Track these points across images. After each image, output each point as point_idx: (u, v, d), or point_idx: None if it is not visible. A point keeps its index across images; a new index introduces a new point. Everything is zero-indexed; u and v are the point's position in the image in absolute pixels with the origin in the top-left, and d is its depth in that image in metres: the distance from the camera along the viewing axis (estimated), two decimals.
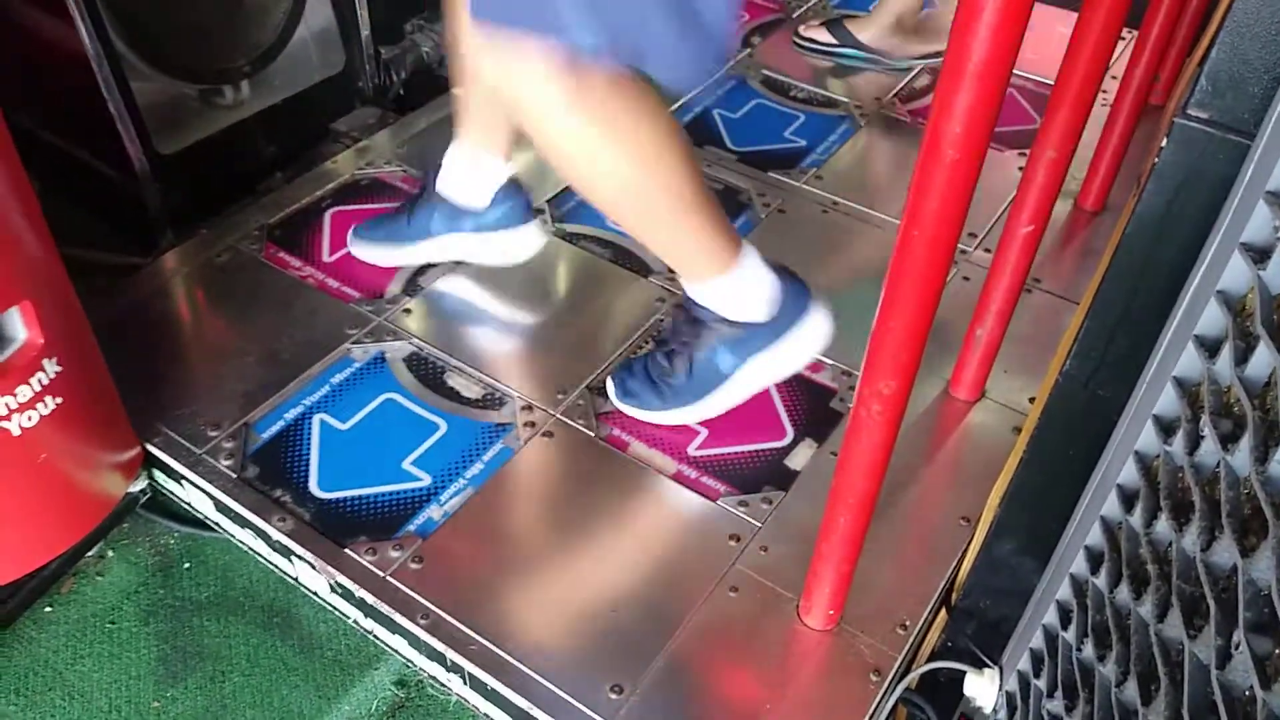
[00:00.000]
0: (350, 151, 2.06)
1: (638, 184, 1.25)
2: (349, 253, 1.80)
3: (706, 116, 2.20)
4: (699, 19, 1.08)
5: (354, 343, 1.65)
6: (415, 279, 1.77)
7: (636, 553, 1.39)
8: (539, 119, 1.20)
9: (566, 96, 1.15)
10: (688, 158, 1.26)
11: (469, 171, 1.66)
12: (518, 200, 1.68)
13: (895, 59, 2.39)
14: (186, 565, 1.54)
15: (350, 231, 1.81)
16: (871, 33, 2.39)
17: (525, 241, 1.72)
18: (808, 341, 1.47)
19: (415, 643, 1.32)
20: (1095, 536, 0.91)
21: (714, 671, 1.26)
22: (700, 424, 1.54)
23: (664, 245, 1.39)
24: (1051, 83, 1.32)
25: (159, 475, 1.55)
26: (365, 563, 1.36)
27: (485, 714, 1.32)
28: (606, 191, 1.29)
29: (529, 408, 1.56)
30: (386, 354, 1.64)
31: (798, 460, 1.50)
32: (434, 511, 1.42)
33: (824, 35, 2.41)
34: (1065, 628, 0.96)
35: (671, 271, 1.79)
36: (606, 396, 1.57)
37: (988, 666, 1.18)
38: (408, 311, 1.71)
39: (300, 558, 1.40)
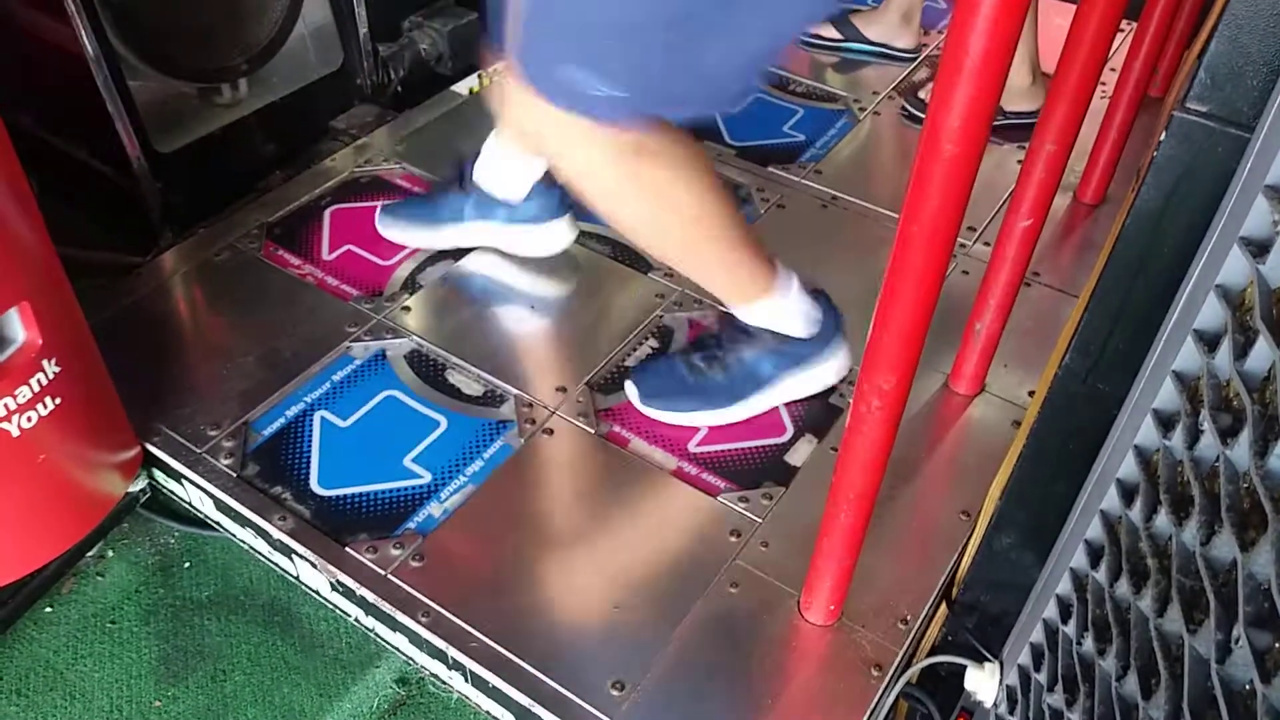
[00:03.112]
0: (349, 149, 2.05)
1: (678, 231, 1.31)
2: (378, 230, 1.82)
3: None
4: (710, 67, 1.10)
5: (354, 340, 1.65)
6: (415, 276, 1.77)
7: (637, 549, 1.39)
8: (580, 176, 1.24)
9: (605, 156, 1.19)
10: (721, 198, 1.31)
11: (506, 164, 1.67)
12: (552, 194, 1.70)
13: (901, 53, 2.39)
14: (187, 564, 1.54)
15: (379, 208, 1.83)
16: (878, 28, 2.39)
17: (557, 236, 1.75)
18: (841, 361, 1.53)
19: (416, 640, 1.32)
20: (1095, 531, 0.91)
21: (715, 667, 1.26)
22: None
23: (707, 279, 1.44)
24: (1050, 75, 1.32)
25: (159, 474, 1.55)
26: (366, 560, 1.36)
27: (487, 711, 1.32)
28: (649, 237, 1.35)
29: (529, 405, 1.56)
30: (387, 351, 1.64)
31: (798, 456, 1.50)
32: (434, 509, 1.42)
33: (830, 31, 2.41)
34: (1065, 622, 0.96)
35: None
36: (606, 393, 1.57)
37: (988, 661, 1.18)
38: (407, 309, 1.71)
39: (301, 556, 1.40)
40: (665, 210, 1.27)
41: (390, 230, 1.81)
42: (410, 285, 1.76)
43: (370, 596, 1.33)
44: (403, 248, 1.82)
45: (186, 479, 1.48)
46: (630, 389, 1.56)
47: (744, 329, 1.49)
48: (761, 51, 1.15)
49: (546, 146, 1.28)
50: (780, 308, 1.45)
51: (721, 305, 1.51)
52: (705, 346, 1.53)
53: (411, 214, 1.80)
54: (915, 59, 2.41)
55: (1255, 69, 0.75)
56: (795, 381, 1.52)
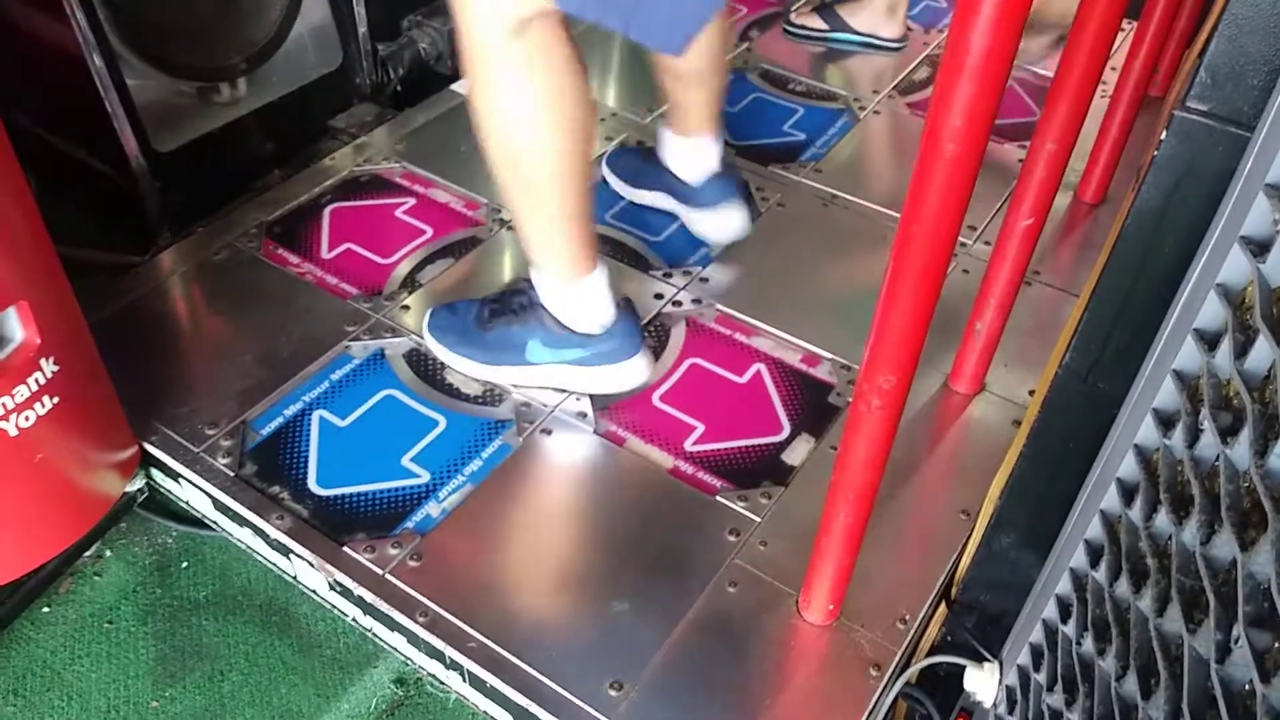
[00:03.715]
0: (348, 148, 2.05)
1: (539, 149, 1.30)
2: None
3: None
4: None
5: (353, 339, 1.65)
6: (414, 275, 1.77)
7: (634, 548, 1.39)
8: (482, 65, 1.25)
9: (508, 50, 1.21)
10: (587, 154, 1.33)
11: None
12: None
13: (888, 43, 2.40)
14: (184, 564, 1.54)
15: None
16: (863, 17, 2.39)
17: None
18: (620, 377, 1.54)
19: (414, 640, 1.32)
20: (1095, 530, 0.90)
21: (714, 667, 1.26)
22: (696, 419, 1.54)
23: (531, 224, 1.42)
24: (1051, 75, 1.32)
25: (157, 474, 1.54)
26: (364, 560, 1.36)
27: (485, 711, 1.32)
28: (509, 149, 1.32)
29: (527, 404, 1.56)
30: (385, 350, 1.64)
31: (795, 455, 1.50)
32: (432, 508, 1.42)
33: (816, 21, 2.42)
34: (1065, 621, 0.96)
35: (661, 272, 1.80)
36: None
37: (988, 660, 1.18)
38: (406, 308, 1.71)
39: (299, 556, 1.39)
40: (539, 126, 1.28)
41: (610, 177, 1.94)
42: (409, 284, 1.76)
43: (368, 596, 1.33)
44: (402, 246, 1.82)
45: (184, 478, 1.48)
46: (426, 316, 1.61)
47: (534, 303, 1.50)
48: None
49: (461, 26, 1.26)
50: (573, 299, 1.47)
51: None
52: (499, 301, 1.56)
53: (629, 167, 1.91)
54: (902, 48, 2.41)
55: (1255, 68, 0.75)
56: (562, 374, 1.54)
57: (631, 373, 1.54)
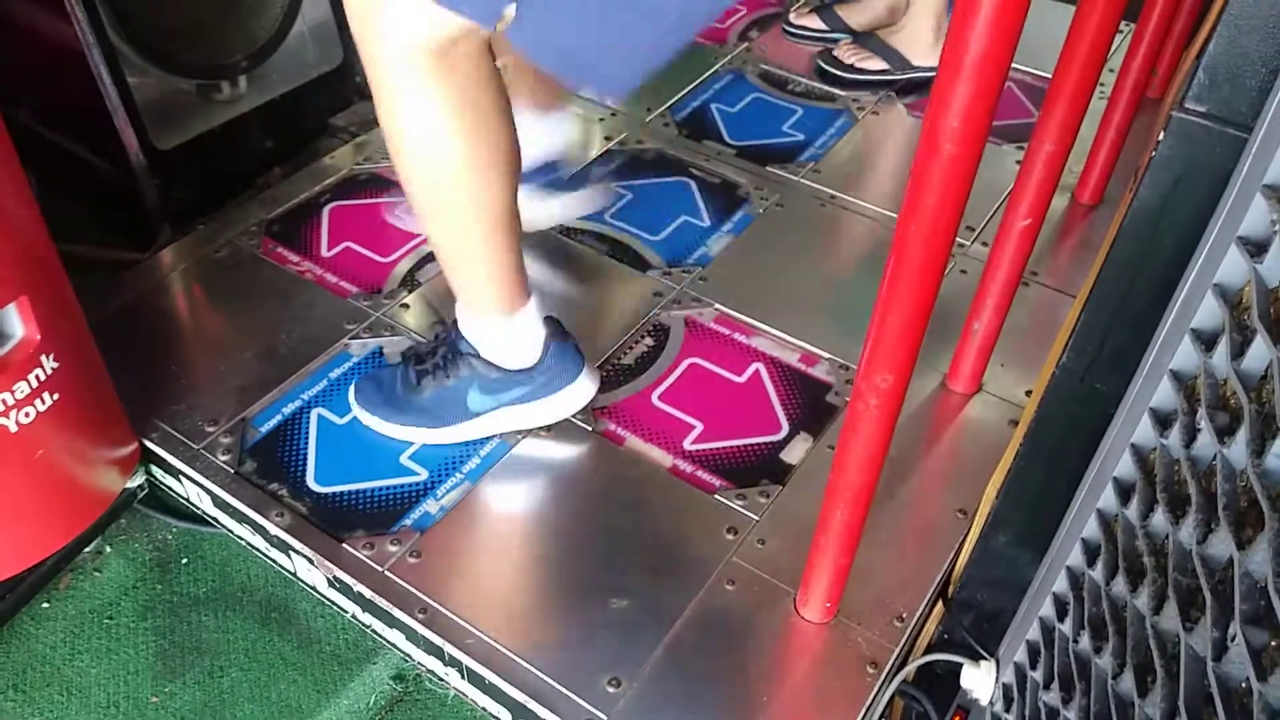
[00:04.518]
0: (348, 146, 2.05)
1: (464, 185, 1.19)
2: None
3: (704, 111, 2.20)
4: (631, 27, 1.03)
5: (352, 338, 1.65)
6: (414, 274, 1.77)
7: (633, 546, 1.39)
8: (393, 90, 1.12)
9: (428, 76, 1.08)
10: (514, 184, 1.23)
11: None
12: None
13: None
14: (184, 560, 1.54)
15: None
16: (863, 18, 2.38)
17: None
18: (567, 403, 1.47)
19: (413, 637, 1.33)
20: (1092, 529, 0.91)
21: (711, 664, 1.26)
22: (695, 418, 1.54)
23: (460, 263, 1.32)
24: (1049, 76, 1.32)
25: (156, 470, 1.55)
26: (363, 557, 1.36)
27: (483, 708, 1.32)
28: (428, 181, 1.21)
29: None
30: (384, 348, 1.64)
31: (793, 454, 1.51)
32: (431, 506, 1.42)
33: (815, 22, 2.41)
34: (1062, 620, 0.97)
35: (654, 268, 1.80)
36: (602, 391, 1.57)
37: (984, 658, 1.18)
38: (405, 306, 1.71)
39: (298, 552, 1.40)
40: (458, 158, 1.15)
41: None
42: (409, 283, 1.76)
43: (367, 593, 1.33)
44: (402, 245, 1.82)
45: (184, 475, 1.49)
46: (351, 392, 1.53)
47: (461, 352, 1.41)
48: (665, 33, 1.04)
49: (365, 51, 1.11)
50: (507, 336, 1.38)
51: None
52: (422, 360, 1.46)
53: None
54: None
55: (1254, 69, 0.75)
56: (508, 416, 1.46)
57: (579, 393, 1.47)
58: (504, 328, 1.38)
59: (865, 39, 2.33)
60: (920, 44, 2.29)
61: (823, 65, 2.32)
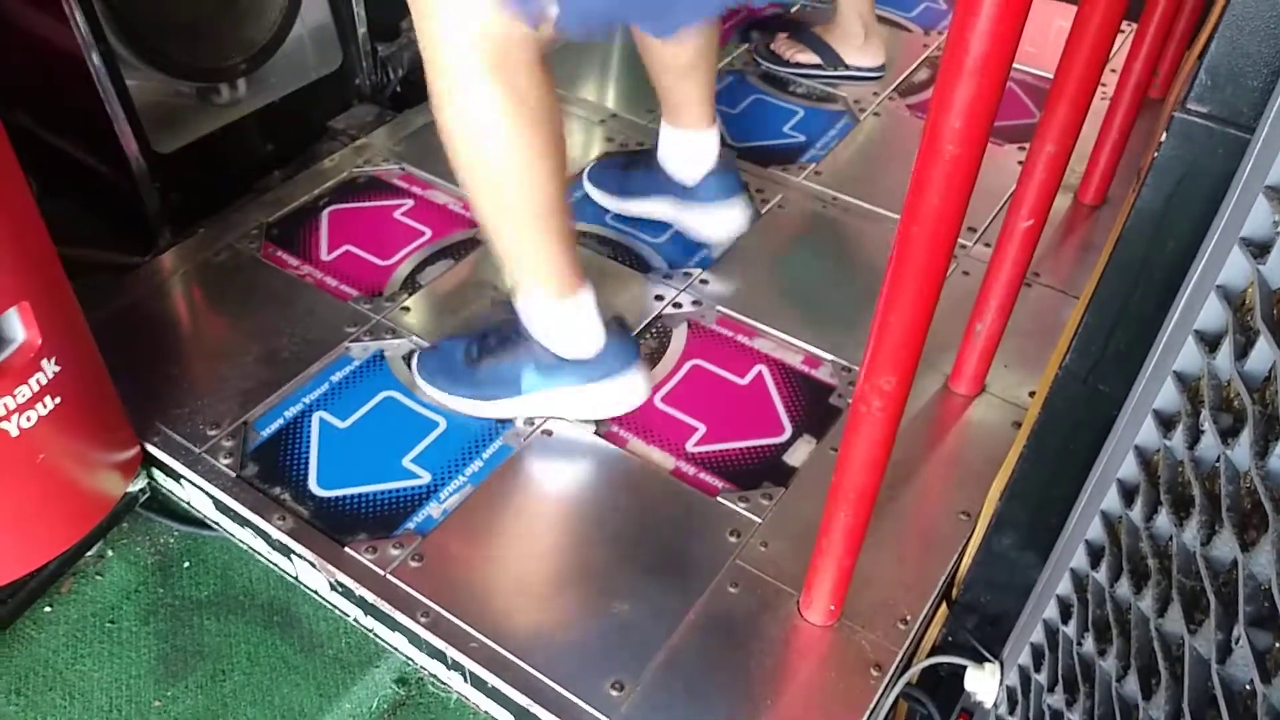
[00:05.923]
0: (348, 149, 2.05)
1: (518, 174, 1.27)
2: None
3: None
4: None
5: (353, 341, 1.65)
6: (414, 276, 1.77)
7: (636, 549, 1.39)
8: (451, 86, 1.24)
9: (464, 44, 1.20)
10: (563, 177, 1.30)
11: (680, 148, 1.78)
12: (728, 177, 1.79)
13: (868, 72, 2.33)
14: (186, 564, 1.54)
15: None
16: (842, 44, 2.31)
17: (731, 218, 1.83)
18: (617, 397, 1.51)
19: (415, 640, 1.32)
20: (1096, 531, 0.91)
21: (714, 667, 1.26)
22: (698, 420, 1.54)
23: (513, 248, 1.39)
24: (1050, 77, 1.32)
25: (158, 474, 1.55)
26: (365, 561, 1.36)
27: (486, 711, 1.32)
28: (484, 172, 1.30)
29: None
30: (385, 352, 1.64)
31: (796, 456, 1.50)
32: (434, 509, 1.42)
33: (809, 56, 2.33)
34: (1066, 622, 0.96)
35: (649, 269, 1.80)
36: None
37: (988, 661, 1.18)
38: (406, 309, 1.71)
39: (300, 556, 1.40)
40: (514, 147, 1.25)
41: (594, 192, 1.92)
42: (409, 285, 1.76)
43: (369, 596, 1.33)
44: (402, 248, 1.82)
45: (186, 479, 1.48)
46: (414, 361, 1.59)
47: (521, 334, 1.46)
48: None
49: (425, 48, 1.26)
50: (562, 321, 1.43)
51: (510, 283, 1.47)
52: (485, 337, 1.52)
53: (613, 180, 1.90)
54: (880, 77, 2.34)
55: (1255, 70, 0.75)
56: (560, 401, 1.50)
57: (628, 389, 1.50)
58: (558, 314, 1.42)
59: (801, 34, 2.34)
60: (851, 43, 2.30)
61: (758, 58, 2.37)
